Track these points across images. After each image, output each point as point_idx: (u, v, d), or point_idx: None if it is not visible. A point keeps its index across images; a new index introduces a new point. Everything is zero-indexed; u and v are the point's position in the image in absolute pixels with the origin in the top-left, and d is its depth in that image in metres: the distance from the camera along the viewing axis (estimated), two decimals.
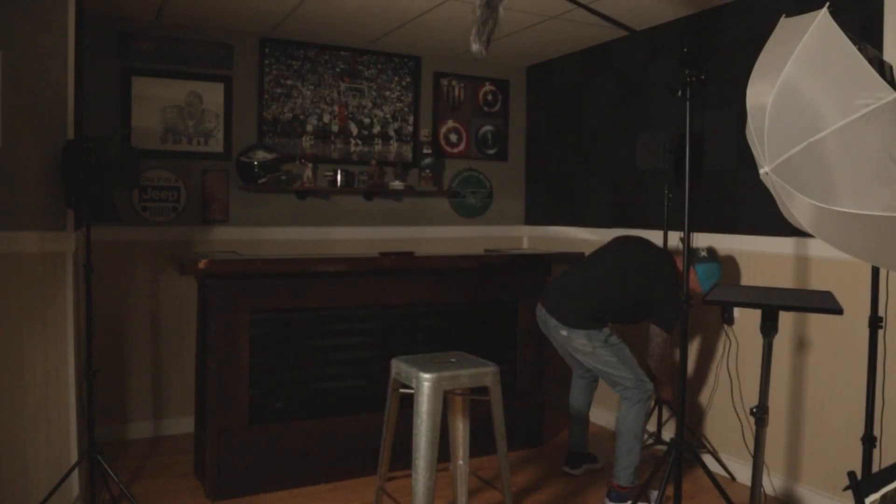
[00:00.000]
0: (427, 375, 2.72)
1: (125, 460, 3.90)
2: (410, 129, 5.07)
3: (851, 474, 1.72)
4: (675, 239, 3.95)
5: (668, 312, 3.35)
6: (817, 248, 3.30)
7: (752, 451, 2.57)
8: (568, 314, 3.39)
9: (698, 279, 3.42)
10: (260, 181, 4.43)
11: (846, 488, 1.74)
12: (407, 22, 4.27)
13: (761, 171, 2.24)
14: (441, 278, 3.90)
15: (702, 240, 3.90)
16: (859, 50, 1.97)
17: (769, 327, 2.43)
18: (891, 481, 1.58)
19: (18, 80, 2.87)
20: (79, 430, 3.10)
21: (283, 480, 3.53)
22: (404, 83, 5.03)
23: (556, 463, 3.97)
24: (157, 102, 4.31)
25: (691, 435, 3.89)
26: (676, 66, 2.68)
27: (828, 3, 2.01)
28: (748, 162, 3.25)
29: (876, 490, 1.58)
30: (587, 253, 4.66)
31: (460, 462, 3.09)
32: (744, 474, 3.65)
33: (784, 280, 3.50)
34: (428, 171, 5.01)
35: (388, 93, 4.98)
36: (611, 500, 3.34)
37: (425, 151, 5.01)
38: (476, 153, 5.35)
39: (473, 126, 5.34)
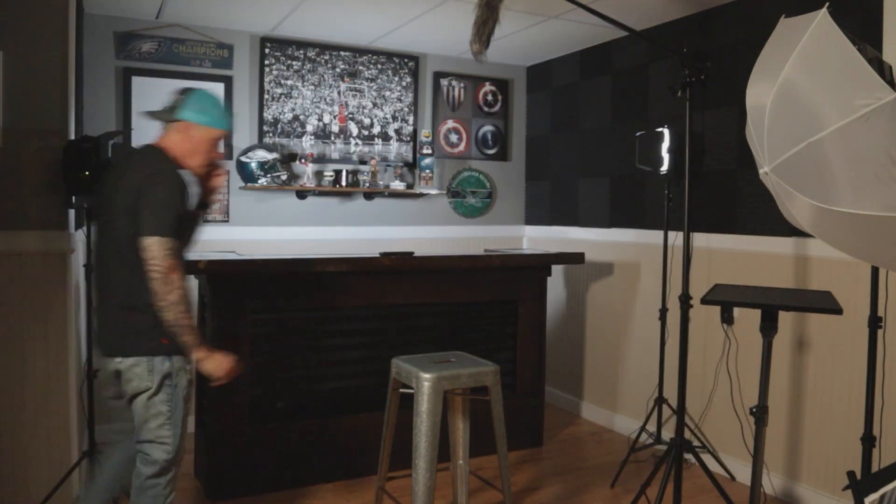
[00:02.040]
0: (427, 375, 2.73)
1: None
2: (410, 129, 5.07)
3: (851, 474, 1.73)
4: (673, 238, 3.95)
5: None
6: (817, 248, 3.30)
7: (752, 451, 2.57)
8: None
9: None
10: (260, 181, 4.43)
11: (846, 488, 1.74)
12: (407, 22, 4.28)
13: (761, 171, 2.24)
14: (441, 278, 3.90)
15: (701, 240, 3.91)
16: (859, 50, 1.97)
17: (769, 327, 2.43)
18: (890, 481, 1.58)
19: (19, 80, 2.87)
20: (79, 430, 3.10)
21: (283, 480, 3.54)
22: (404, 83, 5.03)
23: (556, 463, 3.98)
24: (157, 102, 4.26)
25: (691, 435, 3.90)
26: (676, 66, 2.68)
27: (827, 4, 2.01)
28: (748, 162, 3.25)
29: (875, 490, 1.58)
30: (587, 254, 4.69)
31: (460, 462, 3.10)
32: (743, 474, 3.65)
33: (784, 280, 3.50)
34: (428, 171, 5.01)
35: (388, 93, 4.98)
36: None
37: (425, 151, 5.01)
38: (476, 153, 5.36)
39: (473, 126, 5.34)
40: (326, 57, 4.76)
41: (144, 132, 4.27)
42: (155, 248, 2.23)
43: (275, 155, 4.49)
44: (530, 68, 5.49)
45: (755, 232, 3.62)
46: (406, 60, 5.03)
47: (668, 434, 4.03)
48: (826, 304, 2.37)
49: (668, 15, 4.05)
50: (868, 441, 2.72)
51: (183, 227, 2.37)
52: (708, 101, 3.82)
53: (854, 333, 3.14)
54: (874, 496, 1.56)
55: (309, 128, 4.73)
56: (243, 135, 4.56)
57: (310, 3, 3.92)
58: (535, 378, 4.19)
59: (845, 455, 3.19)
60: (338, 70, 4.80)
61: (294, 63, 4.66)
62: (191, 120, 2.45)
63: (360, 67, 4.88)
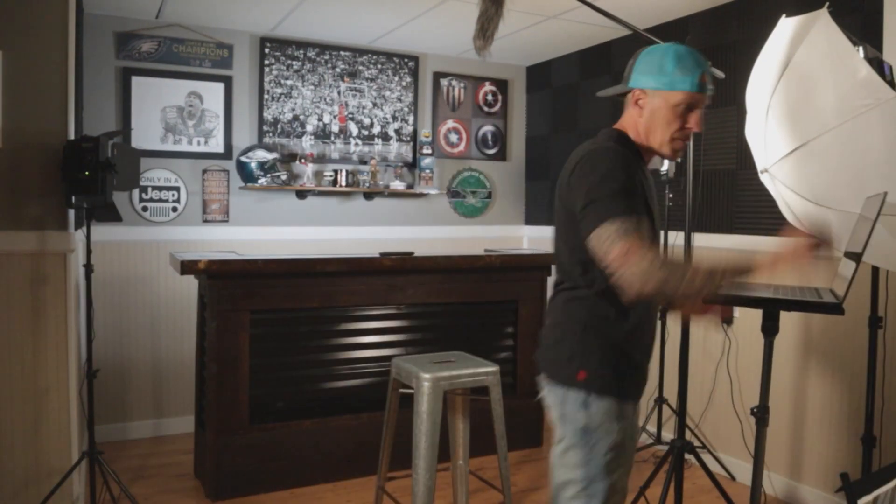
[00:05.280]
0: (427, 375, 2.73)
1: (125, 460, 3.90)
2: (410, 129, 5.07)
3: (844, 476, 1.72)
4: (673, 238, 3.95)
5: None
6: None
7: (753, 451, 2.57)
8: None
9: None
10: (260, 181, 4.44)
11: (838, 490, 1.74)
12: (407, 22, 4.28)
13: (761, 171, 2.25)
14: (441, 278, 3.90)
15: (701, 239, 3.90)
16: (859, 50, 1.97)
17: (770, 327, 2.43)
18: (883, 483, 1.58)
19: (19, 80, 2.88)
20: (79, 430, 3.10)
21: (283, 480, 3.54)
22: (404, 83, 5.03)
23: None
24: (157, 102, 4.31)
25: (691, 435, 3.89)
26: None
27: (827, 4, 2.02)
28: (748, 162, 3.25)
29: (869, 492, 1.58)
30: None
31: (460, 462, 3.10)
32: (744, 474, 3.65)
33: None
34: (428, 171, 5.01)
35: (388, 93, 4.98)
36: None
37: (425, 151, 5.01)
38: (476, 153, 5.36)
39: (473, 126, 5.34)
40: (326, 57, 4.76)
41: (144, 132, 4.28)
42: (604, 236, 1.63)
43: (275, 155, 4.49)
44: (530, 68, 5.48)
45: (755, 232, 3.62)
46: (406, 60, 5.03)
47: (668, 434, 4.03)
48: (826, 303, 2.37)
49: (668, 14, 4.05)
50: (868, 441, 2.72)
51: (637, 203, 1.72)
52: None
53: (854, 333, 3.14)
54: (867, 498, 1.56)
55: (309, 128, 4.73)
56: (243, 135, 4.56)
57: (310, 2, 3.92)
58: (535, 378, 4.18)
59: (845, 455, 3.19)
60: (338, 70, 4.80)
61: (294, 63, 4.66)
62: (639, 86, 1.84)
63: (360, 67, 4.88)
